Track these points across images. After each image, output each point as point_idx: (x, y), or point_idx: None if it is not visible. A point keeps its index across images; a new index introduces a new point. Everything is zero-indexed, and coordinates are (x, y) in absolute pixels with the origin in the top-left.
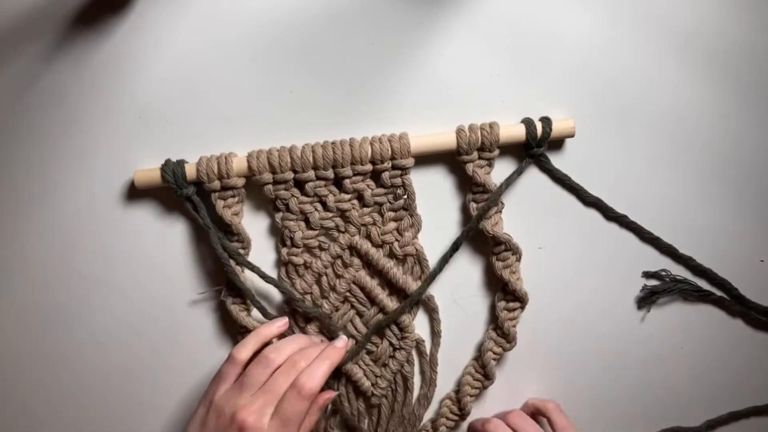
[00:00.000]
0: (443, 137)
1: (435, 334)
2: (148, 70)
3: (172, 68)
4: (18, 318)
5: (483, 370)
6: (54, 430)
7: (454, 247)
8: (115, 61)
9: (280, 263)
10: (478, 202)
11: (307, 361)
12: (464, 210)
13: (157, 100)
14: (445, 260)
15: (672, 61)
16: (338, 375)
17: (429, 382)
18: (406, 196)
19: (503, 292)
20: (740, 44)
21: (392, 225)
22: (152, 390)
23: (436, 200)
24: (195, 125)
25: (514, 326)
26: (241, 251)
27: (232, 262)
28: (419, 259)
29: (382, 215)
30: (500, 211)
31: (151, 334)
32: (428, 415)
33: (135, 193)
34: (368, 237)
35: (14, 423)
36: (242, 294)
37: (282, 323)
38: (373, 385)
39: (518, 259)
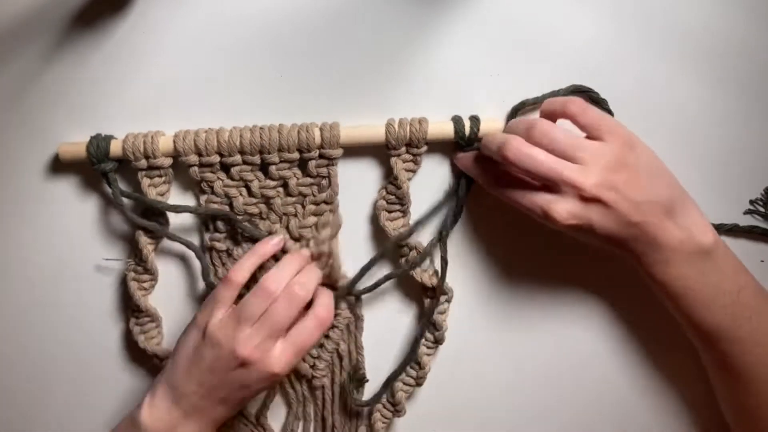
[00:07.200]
0: (374, 130)
1: (357, 317)
2: (148, 70)
3: (172, 68)
4: None
5: (417, 365)
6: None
7: (370, 264)
8: (116, 61)
9: (204, 249)
10: (389, 202)
11: (306, 291)
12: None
13: (156, 99)
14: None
15: (675, 64)
16: None
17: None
18: (329, 188)
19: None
20: (740, 45)
21: (312, 219)
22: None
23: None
24: (192, 126)
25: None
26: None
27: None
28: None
29: (304, 207)
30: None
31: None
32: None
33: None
34: (288, 228)
35: (14, 423)
36: (147, 270)
37: (277, 241)
38: (311, 366)
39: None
